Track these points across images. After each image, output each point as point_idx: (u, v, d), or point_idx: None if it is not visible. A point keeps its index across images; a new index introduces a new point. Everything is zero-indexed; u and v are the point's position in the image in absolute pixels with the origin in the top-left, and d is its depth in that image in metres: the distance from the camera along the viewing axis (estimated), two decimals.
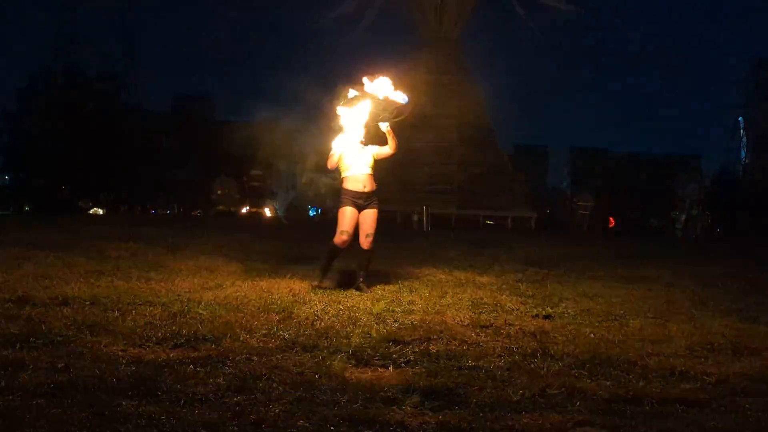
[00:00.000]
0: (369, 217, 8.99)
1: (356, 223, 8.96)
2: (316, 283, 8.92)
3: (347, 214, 8.94)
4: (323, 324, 6.79)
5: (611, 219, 47.87)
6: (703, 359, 6.05)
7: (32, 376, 4.69)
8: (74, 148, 44.99)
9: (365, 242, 8.96)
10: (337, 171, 9.11)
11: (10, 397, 4.30)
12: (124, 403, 4.32)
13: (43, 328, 6.01)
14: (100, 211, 38.77)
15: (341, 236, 8.92)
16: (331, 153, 8.99)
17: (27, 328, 5.94)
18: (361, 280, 8.94)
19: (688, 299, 9.18)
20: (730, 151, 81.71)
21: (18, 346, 5.45)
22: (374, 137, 9.14)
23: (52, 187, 45.35)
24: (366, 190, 8.96)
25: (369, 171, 8.98)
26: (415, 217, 23.28)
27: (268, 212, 48.21)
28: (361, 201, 8.95)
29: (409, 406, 4.54)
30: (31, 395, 4.36)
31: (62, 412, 4.12)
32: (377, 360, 5.65)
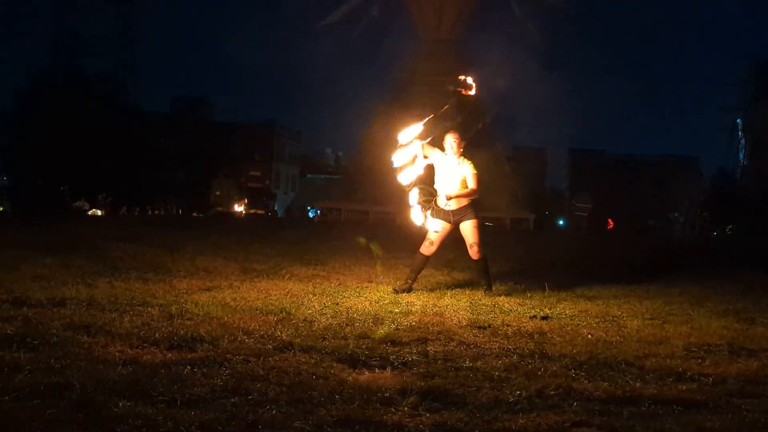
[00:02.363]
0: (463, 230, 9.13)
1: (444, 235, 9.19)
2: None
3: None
4: (321, 325, 6.78)
5: (610, 220, 47.93)
6: (700, 360, 6.05)
7: (28, 377, 4.68)
8: (74, 149, 44.95)
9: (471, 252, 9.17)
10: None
11: (6, 398, 4.29)
12: (120, 404, 4.31)
13: (40, 328, 6.00)
14: (99, 212, 38.72)
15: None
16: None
17: (23, 329, 5.93)
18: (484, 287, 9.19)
19: (685, 300, 9.19)
20: (729, 153, 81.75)
21: (14, 346, 5.44)
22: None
23: (51, 188, 45.31)
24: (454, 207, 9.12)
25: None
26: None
27: (269, 212, 48.28)
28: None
29: (407, 407, 4.54)
30: (28, 396, 4.35)
31: (58, 413, 4.11)
32: (375, 361, 5.64)
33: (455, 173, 9.08)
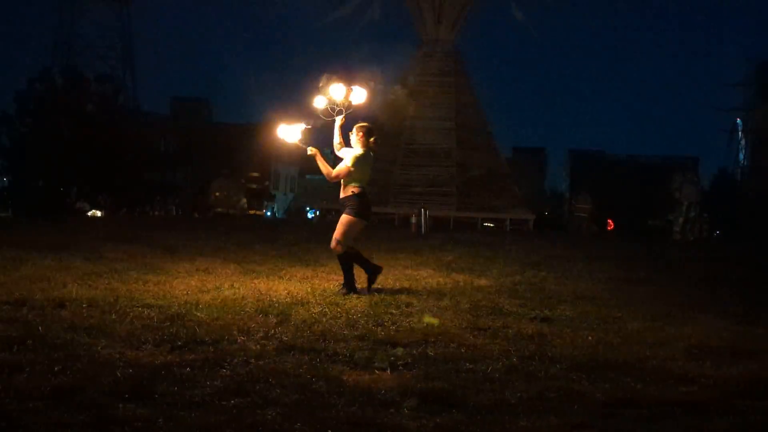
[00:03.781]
0: (339, 221, 9.12)
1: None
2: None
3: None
4: (321, 327, 6.78)
5: (610, 221, 47.90)
6: (701, 362, 6.04)
7: (29, 379, 4.68)
8: (73, 150, 44.94)
9: (332, 246, 9.07)
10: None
11: (7, 400, 4.29)
12: (121, 405, 4.31)
13: (41, 330, 6.00)
14: (99, 213, 38.73)
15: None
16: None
17: (24, 331, 5.93)
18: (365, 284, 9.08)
19: (686, 302, 9.17)
20: (729, 153, 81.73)
21: (15, 348, 5.45)
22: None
23: (52, 189, 45.30)
24: (340, 196, 9.17)
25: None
26: (413, 220, 23.24)
27: (267, 213, 48.24)
28: (341, 207, 9.20)
29: (407, 409, 4.54)
30: (29, 398, 4.35)
31: (59, 414, 4.11)
32: (375, 363, 5.64)
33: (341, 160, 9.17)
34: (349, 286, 8.95)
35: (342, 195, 9.11)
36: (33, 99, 48.32)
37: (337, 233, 8.99)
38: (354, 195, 9.01)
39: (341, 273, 9.12)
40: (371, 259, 9.43)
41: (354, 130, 9.19)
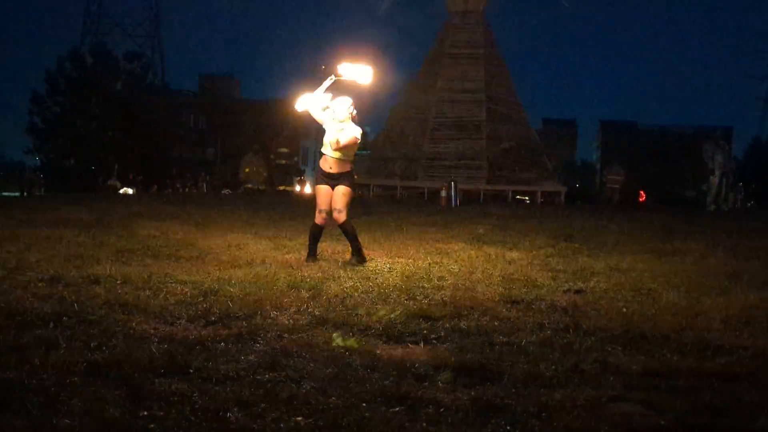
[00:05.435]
0: (336, 193, 9.25)
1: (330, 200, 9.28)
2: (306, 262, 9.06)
3: (320, 192, 9.36)
4: (353, 301, 6.78)
5: (642, 193, 47.45)
6: (738, 332, 5.97)
7: (65, 355, 4.72)
8: (103, 129, 45.32)
9: (335, 217, 9.27)
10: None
11: (44, 376, 4.33)
12: (156, 381, 4.33)
13: (76, 307, 6.05)
14: (130, 191, 39.06)
15: (319, 215, 9.31)
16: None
17: (60, 308, 5.98)
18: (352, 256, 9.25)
19: (721, 272, 9.05)
20: (764, 122, 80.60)
21: (51, 325, 5.50)
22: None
23: (83, 167, 45.73)
24: (332, 171, 9.27)
25: (332, 154, 9.23)
26: (443, 193, 23.16)
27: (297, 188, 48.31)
28: (331, 180, 9.29)
29: (441, 383, 4.52)
30: (65, 374, 4.39)
31: (95, 390, 4.14)
32: (408, 336, 5.64)
33: (336, 134, 9.19)
34: (359, 253, 9.16)
35: (337, 169, 9.24)
36: (63, 78, 48.72)
37: (340, 204, 9.20)
38: (350, 172, 9.34)
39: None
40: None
41: (350, 104, 9.31)
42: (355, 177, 9.65)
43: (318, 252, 9.43)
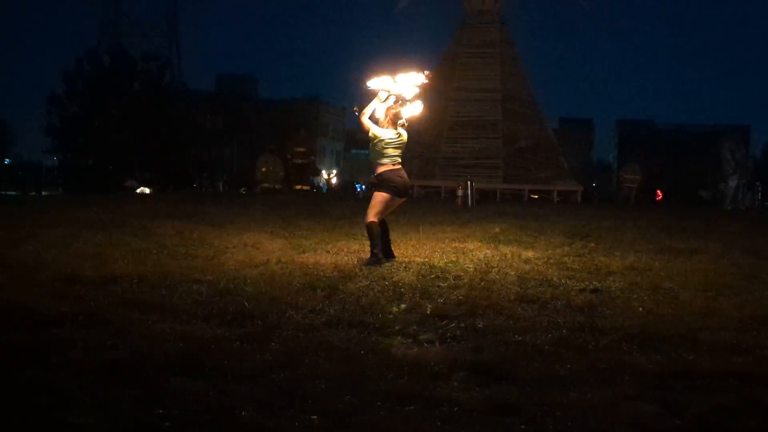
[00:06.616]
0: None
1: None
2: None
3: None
4: (368, 300, 6.78)
5: (659, 192, 47.21)
6: (755, 332, 5.93)
7: (82, 354, 4.75)
8: (121, 129, 45.52)
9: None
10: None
11: (61, 374, 4.36)
12: (172, 379, 4.35)
13: (92, 306, 6.08)
14: (147, 191, 39.21)
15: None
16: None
17: (76, 307, 6.01)
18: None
19: (738, 272, 8.99)
20: None
21: (68, 324, 5.53)
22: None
23: (100, 167, 45.95)
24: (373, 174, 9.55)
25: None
26: (460, 192, 23.09)
27: (322, 185, 48.39)
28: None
29: (456, 382, 4.52)
30: (81, 372, 4.41)
31: (112, 389, 4.16)
32: (423, 335, 5.63)
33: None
34: (387, 251, 9.21)
35: (374, 171, 9.43)
36: (81, 79, 48.95)
37: (369, 205, 9.30)
38: (380, 175, 9.38)
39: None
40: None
41: (391, 105, 9.45)
42: (393, 183, 9.40)
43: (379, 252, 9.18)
